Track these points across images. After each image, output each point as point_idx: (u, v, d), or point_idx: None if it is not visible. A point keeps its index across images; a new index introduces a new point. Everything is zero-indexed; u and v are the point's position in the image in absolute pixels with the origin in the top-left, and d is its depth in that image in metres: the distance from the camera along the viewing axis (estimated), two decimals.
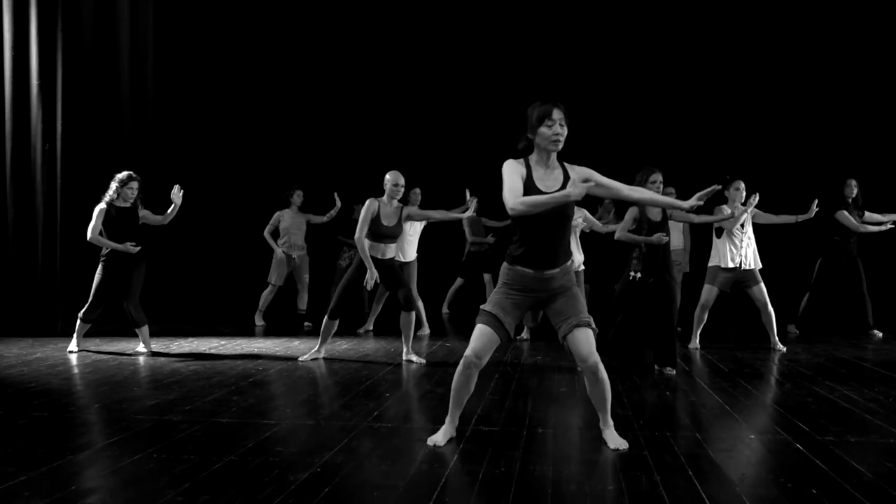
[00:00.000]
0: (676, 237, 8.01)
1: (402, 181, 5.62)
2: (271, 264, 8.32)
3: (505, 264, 3.31)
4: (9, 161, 7.90)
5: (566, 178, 3.21)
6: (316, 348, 5.97)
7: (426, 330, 7.58)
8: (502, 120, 9.68)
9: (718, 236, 6.41)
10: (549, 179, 3.19)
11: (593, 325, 3.24)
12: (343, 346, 6.71)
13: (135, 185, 6.24)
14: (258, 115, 9.89)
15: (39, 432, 3.63)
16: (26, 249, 7.88)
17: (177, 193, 6.33)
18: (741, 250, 6.33)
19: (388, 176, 5.63)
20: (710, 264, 6.50)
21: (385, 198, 5.64)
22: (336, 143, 9.90)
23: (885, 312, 8.04)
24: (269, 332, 7.88)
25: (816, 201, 6.48)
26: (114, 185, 6.20)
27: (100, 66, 8.47)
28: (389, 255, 5.72)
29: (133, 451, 3.23)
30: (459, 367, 3.30)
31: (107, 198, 6.20)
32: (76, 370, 5.49)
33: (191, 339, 7.17)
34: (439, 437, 3.37)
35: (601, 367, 3.23)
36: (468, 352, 3.24)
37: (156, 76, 9.45)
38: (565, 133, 3.16)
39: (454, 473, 2.95)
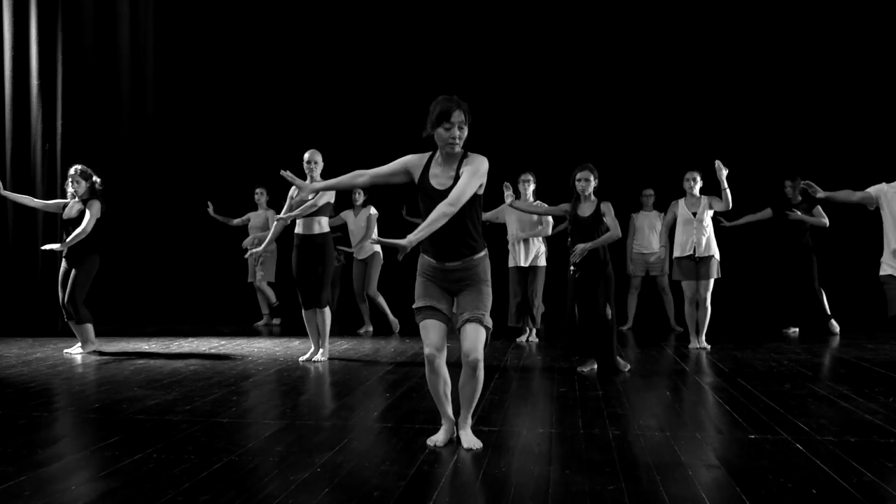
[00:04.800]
0: (653, 239, 8.06)
1: (315, 158, 5.75)
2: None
3: (421, 255, 3.31)
4: (9, 161, 7.90)
5: (458, 175, 3.15)
6: (312, 348, 5.95)
7: (396, 327, 7.75)
8: (490, 124, 9.66)
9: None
10: (443, 176, 3.18)
11: (485, 322, 3.20)
12: (343, 346, 6.71)
13: (78, 178, 6.19)
14: (258, 114, 9.89)
15: (39, 432, 3.63)
16: (26, 249, 7.88)
17: (53, 246, 6.16)
18: (693, 237, 6.42)
19: (304, 155, 5.79)
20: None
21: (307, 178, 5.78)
22: (334, 141, 9.88)
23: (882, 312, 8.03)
24: (268, 333, 7.90)
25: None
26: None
27: (100, 65, 8.47)
28: (316, 231, 5.77)
29: (133, 451, 3.23)
30: (426, 368, 3.29)
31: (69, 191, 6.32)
32: (76, 370, 5.50)
33: (191, 339, 7.18)
34: (440, 438, 3.36)
35: (481, 365, 3.19)
36: (426, 350, 3.24)
37: (156, 76, 9.46)
38: (463, 135, 3.12)
39: (454, 473, 2.94)
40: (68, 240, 6.05)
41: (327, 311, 5.86)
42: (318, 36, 9.92)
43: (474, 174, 3.09)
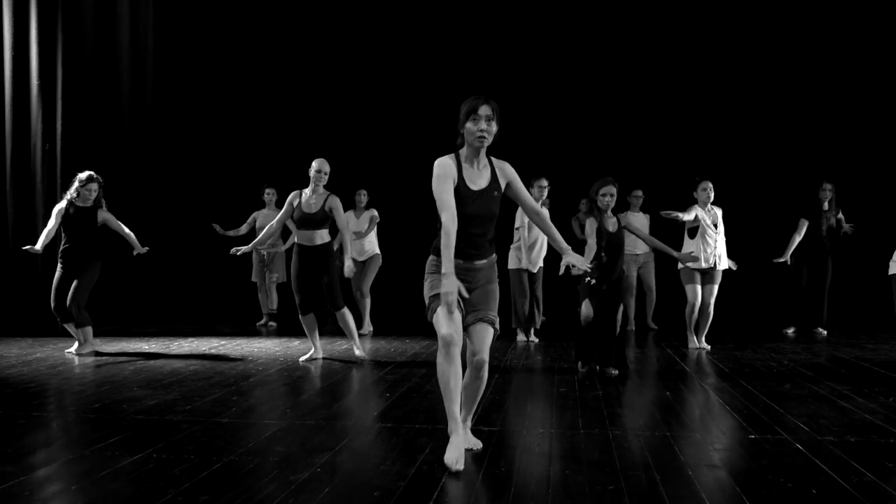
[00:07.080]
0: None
1: (325, 168, 5.71)
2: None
3: (433, 256, 3.21)
4: (9, 161, 7.90)
5: (493, 176, 3.19)
6: (312, 349, 5.96)
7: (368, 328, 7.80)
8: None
9: (692, 237, 6.42)
10: (477, 177, 3.17)
11: (496, 326, 3.18)
12: (343, 346, 6.70)
13: (94, 186, 6.18)
14: (257, 114, 9.88)
15: (39, 432, 3.63)
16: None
17: (140, 250, 6.42)
18: (714, 250, 6.33)
19: (312, 163, 5.75)
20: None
21: (310, 186, 5.76)
22: (333, 142, 9.88)
23: (881, 313, 8.05)
24: (269, 333, 7.89)
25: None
26: (75, 185, 6.20)
27: (100, 66, 8.47)
28: (318, 242, 5.76)
29: (133, 451, 3.23)
30: (441, 356, 3.08)
31: (67, 196, 6.23)
32: (76, 370, 5.49)
33: (191, 339, 7.18)
34: (454, 456, 3.00)
35: (486, 366, 3.16)
36: (444, 331, 3.03)
37: (156, 76, 9.45)
38: (492, 130, 3.10)
39: (454, 473, 2.94)
40: (135, 241, 6.41)
41: (346, 311, 5.87)
42: (321, 31, 9.90)
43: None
